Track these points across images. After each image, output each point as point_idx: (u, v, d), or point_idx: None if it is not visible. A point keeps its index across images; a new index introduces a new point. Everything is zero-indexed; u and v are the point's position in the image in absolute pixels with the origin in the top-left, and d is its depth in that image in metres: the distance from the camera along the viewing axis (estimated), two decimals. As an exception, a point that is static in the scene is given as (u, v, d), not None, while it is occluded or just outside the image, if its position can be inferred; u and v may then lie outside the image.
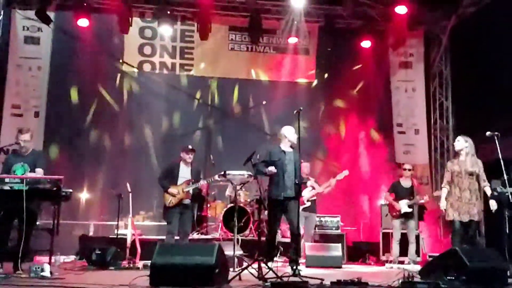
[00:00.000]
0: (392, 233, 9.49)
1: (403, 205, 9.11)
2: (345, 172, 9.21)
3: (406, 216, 9.13)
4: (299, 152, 7.33)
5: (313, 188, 9.44)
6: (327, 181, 9.35)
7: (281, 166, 7.36)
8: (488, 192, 7.17)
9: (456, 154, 7.54)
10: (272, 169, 7.25)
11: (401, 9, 11.29)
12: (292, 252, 7.33)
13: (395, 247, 9.18)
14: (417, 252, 9.30)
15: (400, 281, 5.36)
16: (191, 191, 8.10)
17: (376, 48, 12.33)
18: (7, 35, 11.64)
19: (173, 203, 8.01)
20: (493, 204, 7.04)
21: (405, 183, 9.36)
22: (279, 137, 7.72)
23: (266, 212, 7.78)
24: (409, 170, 9.47)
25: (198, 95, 12.64)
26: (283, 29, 12.23)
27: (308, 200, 9.37)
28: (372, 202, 11.15)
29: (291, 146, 7.55)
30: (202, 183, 8.34)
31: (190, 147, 8.28)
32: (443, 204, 7.35)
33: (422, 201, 9.23)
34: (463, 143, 7.37)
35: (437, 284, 5.27)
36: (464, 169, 7.28)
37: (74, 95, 11.94)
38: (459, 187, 7.27)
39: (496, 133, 6.99)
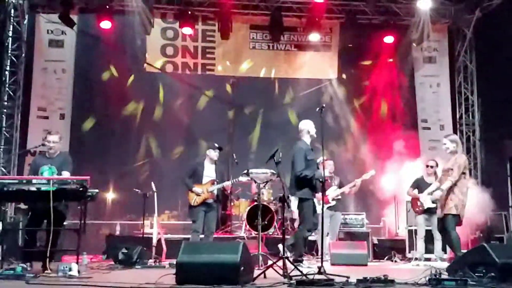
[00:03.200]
0: (416, 230, 9.35)
1: (427, 200, 8.85)
2: (372, 172, 9.11)
3: (430, 212, 8.92)
4: (323, 150, 7.06)
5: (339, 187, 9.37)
6: (353, 181, 9.32)
7: (315, 163, 7.41)
8: (433, 188, 7.50)
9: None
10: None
11: (424, 3, 11.14)
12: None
13: (420, 244, 8.96)
14: (444, 249, 9.11)
15: (427, 278, 5.28)
16: (215, 191, 8.15)
17: (399, 43, 12.22)
18: (32, 39, 11.85)
19: (197, 202, 8.07)
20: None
21: (429, 179, 9.14)
22: (301, 132, 7.71)
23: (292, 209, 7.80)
24: (432, 167, 9.23)
25: (220, 95, 12.67)
26: (304, 26, 12.17)
27: (333, 199, 9.31)
28: (397, 199, 11.00)
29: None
30: (227, 184, 8.37)
31: (216, 145, 8.34)
32: None
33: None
34: (449, 144, 7.35)
35: (465, 281, 5.13)
36: (442, 168, 7.53)
37: (98, 96, 12.07)
38: None
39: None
